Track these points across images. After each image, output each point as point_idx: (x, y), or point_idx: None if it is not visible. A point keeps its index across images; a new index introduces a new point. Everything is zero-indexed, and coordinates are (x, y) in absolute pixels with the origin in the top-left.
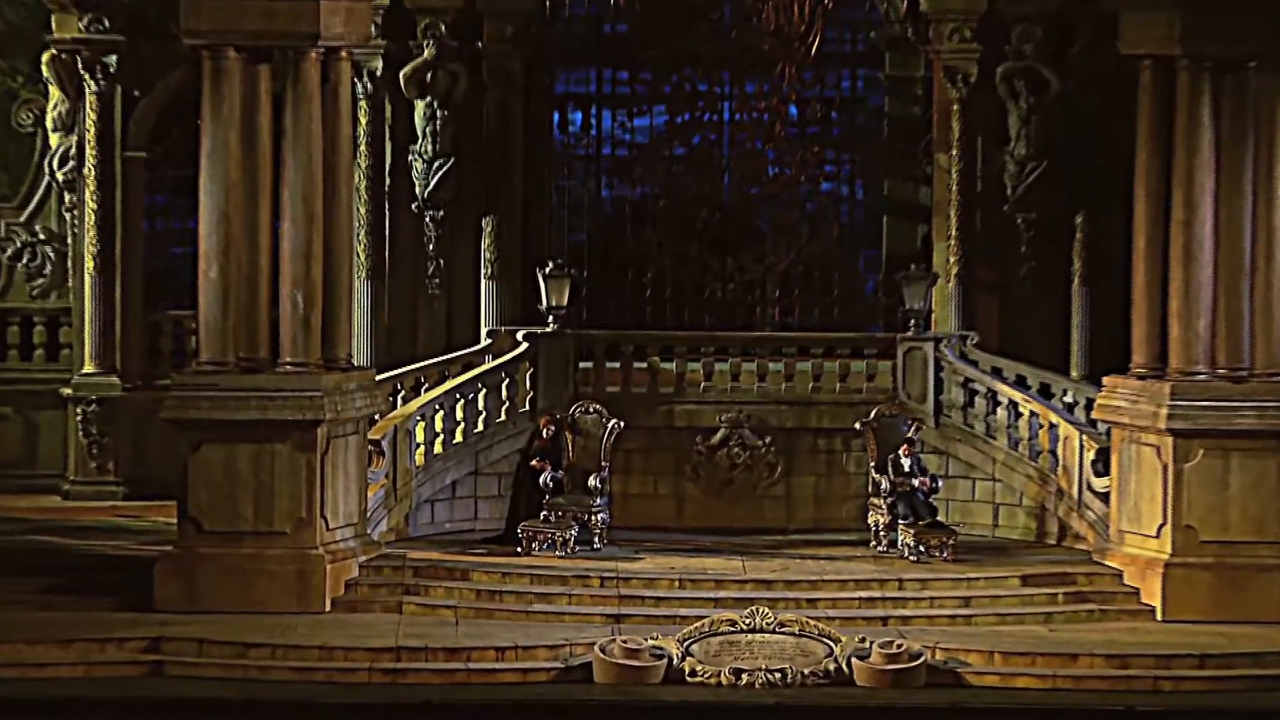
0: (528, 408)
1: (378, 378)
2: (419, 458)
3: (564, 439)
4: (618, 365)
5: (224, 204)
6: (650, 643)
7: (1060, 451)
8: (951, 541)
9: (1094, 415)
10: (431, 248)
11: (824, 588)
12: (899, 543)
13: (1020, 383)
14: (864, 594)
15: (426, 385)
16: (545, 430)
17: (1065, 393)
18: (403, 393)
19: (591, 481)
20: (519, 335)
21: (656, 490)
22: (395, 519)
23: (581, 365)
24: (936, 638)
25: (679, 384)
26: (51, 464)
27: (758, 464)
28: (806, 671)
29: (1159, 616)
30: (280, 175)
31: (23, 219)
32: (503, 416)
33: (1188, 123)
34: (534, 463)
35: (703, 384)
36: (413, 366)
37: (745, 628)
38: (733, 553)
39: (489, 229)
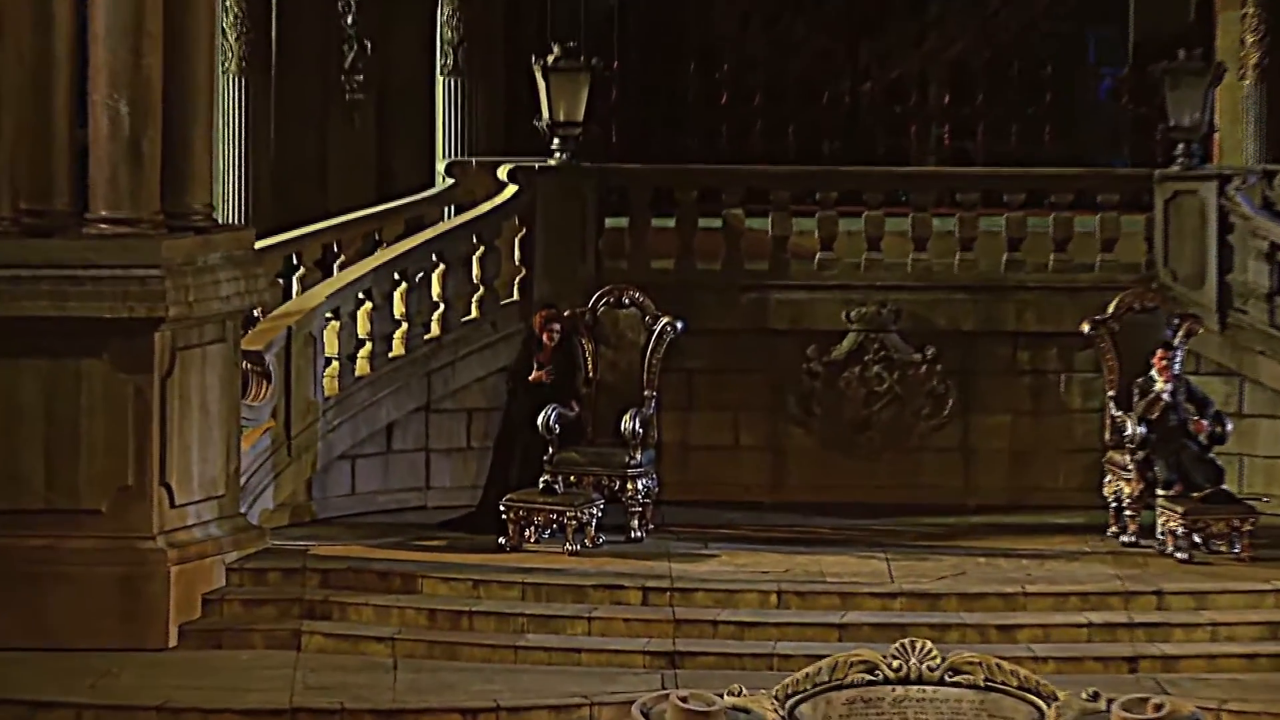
0: (517, 297)
1: (259, 245)
2: (330, 383)
3: (579, 351)
4: (672, 224)
5: None
6: (729, 700)
7: None
8: (1248, 526)
9: None
10: (350, 21)
11: (1028, 606)
12: (1158, 529)
13: None
14: (1097, 617)
15: (343, 258)
16: (546, 336)
17: None
18: (301, 271)
19: (627, 424)
20: (502, 172)
21: (738, 439)
22: (290, 488)
23: (609, 223)
24: (1222, 692)
25: (778, 256)
26: None
27: (913, 393)
28: None
29: None
30: None
31: None
32: (474, 312)
33: None
34: (533, 375)
35: (818, 255)
36: (319, 226)
37: (893, 675)
38: (870, 546)
39: None
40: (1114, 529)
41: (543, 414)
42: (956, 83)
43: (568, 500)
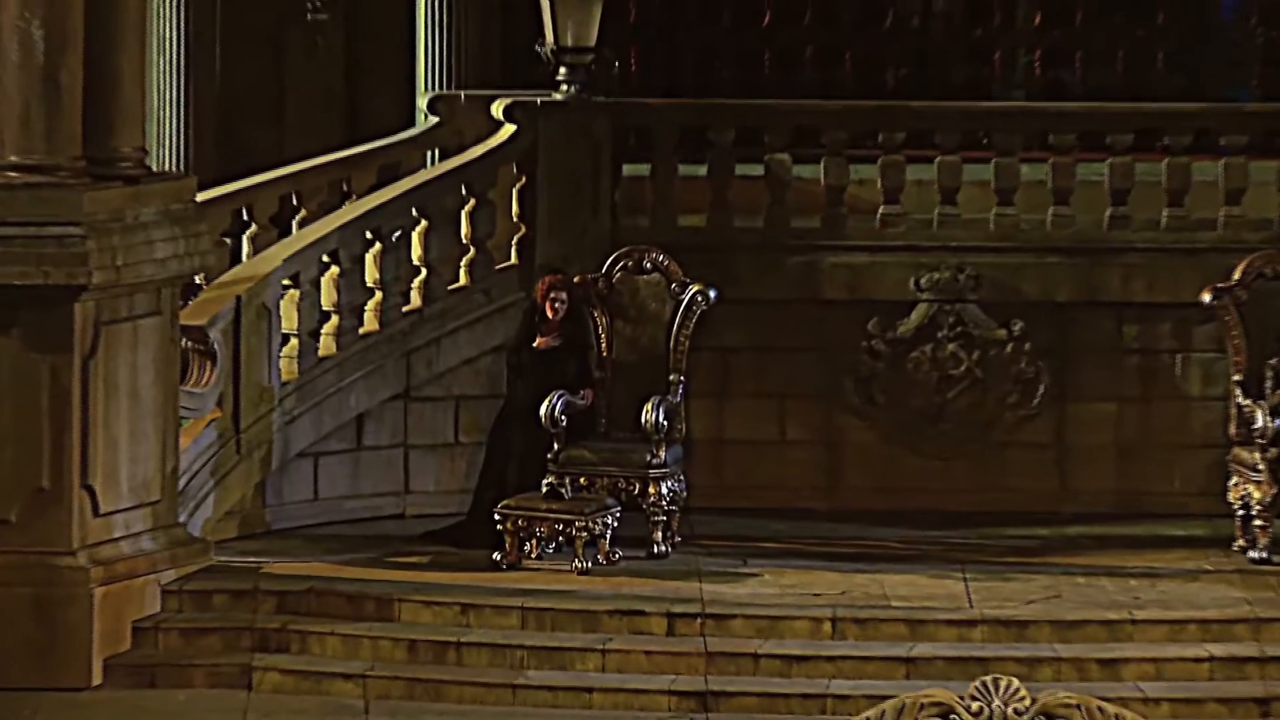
0: (515, 260)
1: (201, 197)
2: (288, 365)
3: (591, 325)
4: (703, 171)
5: None
6: None
7: None
8: None
9: None
10: None
11: (1135, 637)
12: None
13: None
14: (1220, 649)
15: (304, 213)
16: (549, 307)
17: None
18: (253, 229)
19: (649, 414)
20: (497, 108)
21: (784, 433)
22: (239, 492)
23: (627, 171)
24: None
25: (832, 211)
26: None
27: (996, 378)
28: None
29: None
30: None
31: None
32: (463, 279)
33: None
34: (538, 341)
35: (881, 210)
36: (275, 174)
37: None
38: (944, 562)
39: None
40: (1241, 542)
41: (546, 403)
42: (1047, 2)
43: (577, 507)
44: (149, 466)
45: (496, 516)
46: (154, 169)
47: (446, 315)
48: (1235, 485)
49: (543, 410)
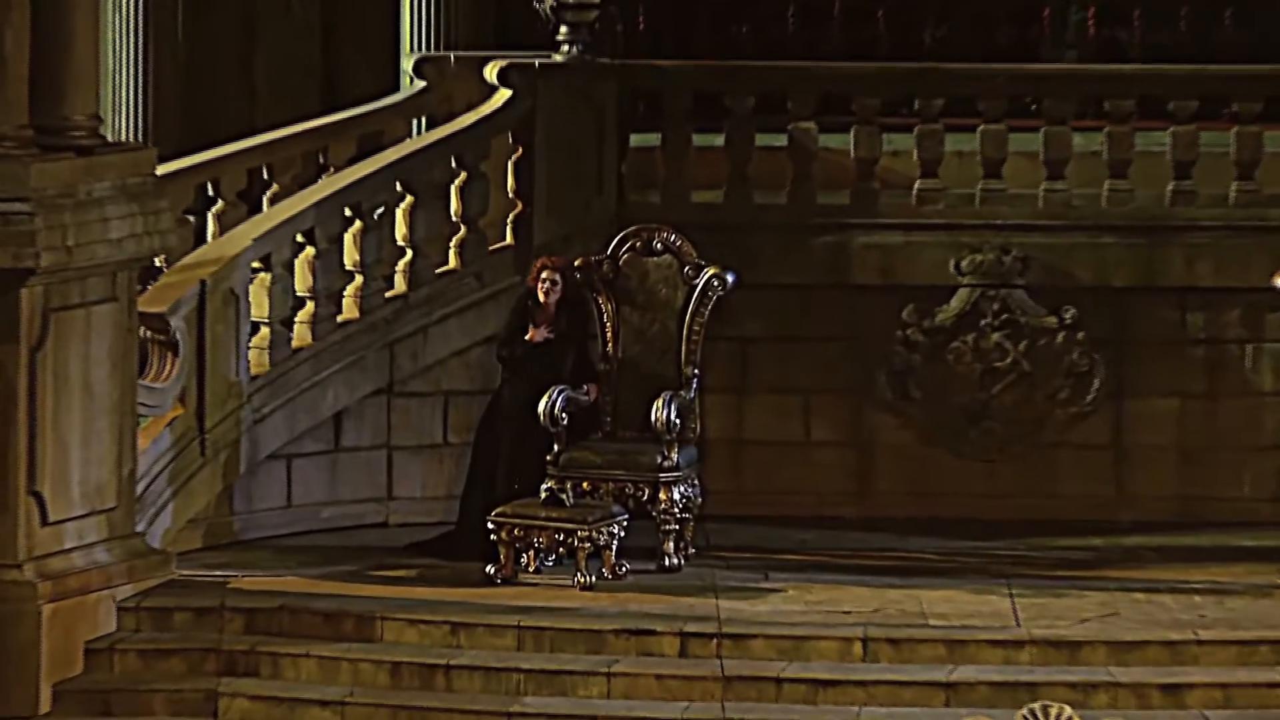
0: (511, 240)
1: (162, 170)
2: (258, 357)
3: (595, 313)
4: (720, 142)
5: None
6: None
7: None
8: None
9: None
10: None
11: (1201, 659)
12: None
13: None
14: None
15: (276, 188)
16: (544, 292)
17: None
18: (219, 206)
19: (660, 412)
20: (491, 72)
21: (809, 433)
22: (204, 499)
23: (634, 141)
24: None
25: (863, 185)
26: None
27: (1046, 371)
28: None
29: None
30: None
31: None
32: (453, 261)
33: None
34: (530, 333)
35: (917, 185)
36: (243, 145)
37: None
38: (988, 576)
39: None
40: None
41: (546, 398)
42: None
43: (579, 515)
44: (103, 470)
45: (490, 526)
46: (109, 139)
47: (434, 302)
48: None
49: (542, 407)
